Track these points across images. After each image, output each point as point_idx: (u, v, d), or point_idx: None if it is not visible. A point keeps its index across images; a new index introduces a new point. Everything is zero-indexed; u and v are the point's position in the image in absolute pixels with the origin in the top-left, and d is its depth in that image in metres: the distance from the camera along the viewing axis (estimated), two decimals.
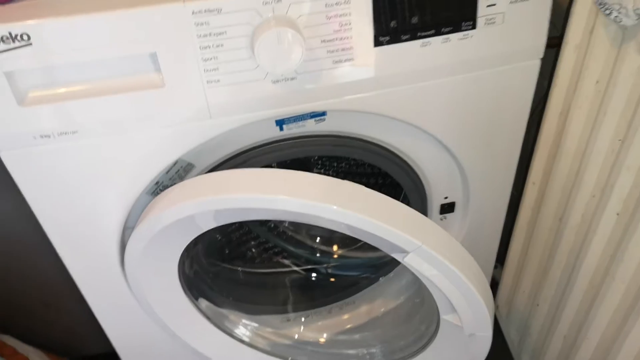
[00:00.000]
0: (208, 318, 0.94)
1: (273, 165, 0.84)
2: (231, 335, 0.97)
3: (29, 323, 1.12)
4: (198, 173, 0.76)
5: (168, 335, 0.93)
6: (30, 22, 0.56)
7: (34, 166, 0.67)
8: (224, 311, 0.98)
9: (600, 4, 0.63)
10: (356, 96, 0.71)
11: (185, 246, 0.78)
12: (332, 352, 1.03)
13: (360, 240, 1.04)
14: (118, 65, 0.62)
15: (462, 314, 0.74)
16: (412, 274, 0.71)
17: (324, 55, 0.66)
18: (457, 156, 0.83)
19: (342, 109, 0.72)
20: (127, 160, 0.70)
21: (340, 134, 0.77)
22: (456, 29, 0.67)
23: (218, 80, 0.64)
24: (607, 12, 0.62)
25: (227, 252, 1.03)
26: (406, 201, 0.88)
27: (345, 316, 1.07)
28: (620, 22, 0.62)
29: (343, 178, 0.98)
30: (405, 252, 0.67)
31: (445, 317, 0.78)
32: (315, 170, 1.00)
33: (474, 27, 0.68)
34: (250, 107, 0.68)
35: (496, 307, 1.22)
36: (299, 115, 0.72)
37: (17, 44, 0.57)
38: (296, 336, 1.04)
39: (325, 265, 1.08)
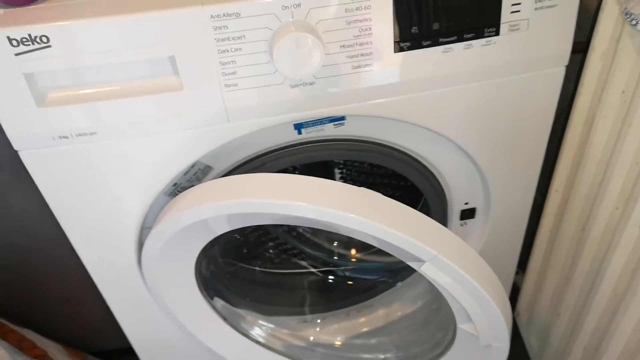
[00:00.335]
0: (223, 318, 0.94)
1: (290, 169, 0.83)
2: (246, 335, 0.97)
3: (48, 317, 1.13)
4: (216, 175, 0.76)
5: (184, 334, 0.93)
6: (49, 24, 0.57)
7: (53, 166, 0.68)
8: (240, 311, 0.99)
9: (627, 14, 0.61)
10: (376, 101, 0.70)
11: (201, 248, 0.79)
12: (347, 355, 1.02)
13: None
14: (136, 67, 0.62)
15: (478, 324, 0.73)
16: (429, 281, 0.70)
17: (344, 61, 0.65)
18: (478, 163, 0.82)
19: (361, 114, 0.71)
20: (145, 162, 0.70)
21: (359, 138, 0.77)
22: (479, 35, 0.66)
23: (236, 84, 0.64)
24: (634, 22, 0.60)
25: (244, 252, 1.03)
26: (426, 207, 0.87)
27: (362, 319, 1.06)
28: None
29: (364, 182, 0.99)
30: (420, 261, 0.66)
31: (461, 326, 0.77)
32: (336, 173, 1.00)
33: (497, 33, 0.66)
34: (268, 111, 0.67)
35: (517, 313, 1.20)
36: (318, 120, 0.72)
37: (36, 45, 0.57)
38: (312, 338, 1.04)
39: (342, 268, 1.08)
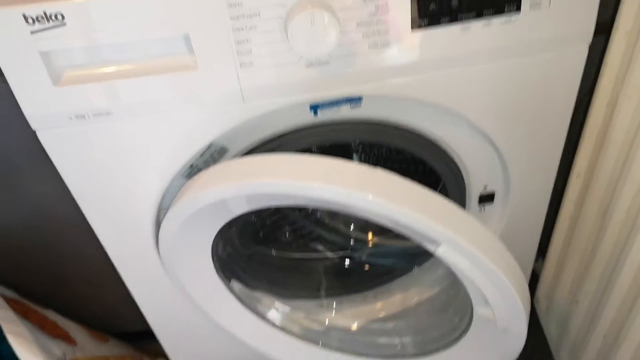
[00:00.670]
0: (241, 300, 0.94)
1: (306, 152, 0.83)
2: (263, 318, 0.98)
3: (69, 299, 1.15)
4: (232, 157, 0.76)
5: (202, 317, 0.94)
6: (64, 1, 0.56)
7: (70, 146, 0.68)
8: (257, 294, 0.99)
9: None
10: (393, 81, 0.69)
11: (218, 229, 0.79)
12: (363, 339, 1.02)
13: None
14: (151, 46, 0.62)
15: (495, 308, 0.72)
16: (446, 266, 0.69)
17: (360, 39, 0.64)
18: (498, 145, 0.80)
19: (378, 94, 0.70)
20: (161, 143, 0.70)
21: (377, 120, 0.76)
22: (499, 12, 0.65)
23: (251, 63, 0.63)
24: None
25: (261, 235, 1.03)
26: (444, 191, 0.86)
27: (379, 304, 1.06)
28: None
29: (382, 164, 0.98)
30: (437, 243, 0.66)
31: (478, 310, 0.76)
32: (354, 155, 0.99)
33: (518, 10, 0.65)
34: (283, 91, 0.67)
35: (536, 300, 1.19)
36: (334, 100, 0.71)
37: (51, 23, 0.57)
38: (328, 322, 1.03)
39: (359, 252, 1.07)
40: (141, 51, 0.62)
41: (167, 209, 0.76)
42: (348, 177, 0.64)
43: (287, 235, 1.06)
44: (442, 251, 0.66)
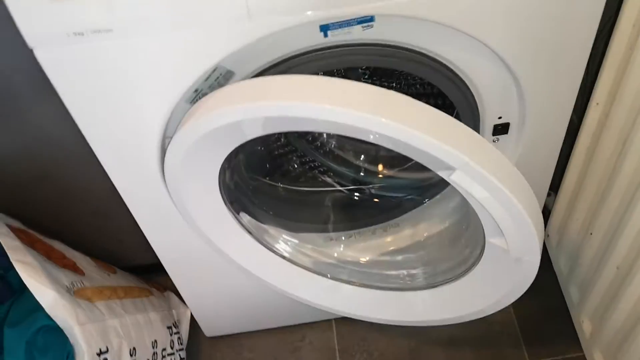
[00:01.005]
0: (249, 232, 0.93)
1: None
2: (271, 250, 0.97)
3: (77, 231, 1.15)
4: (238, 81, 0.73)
5: (211, 249, 0.93)
6: None
7: (69, 67, 0.65)
8: (265, 226, 0.98)
9: None
10: None
11: (226, 155, 0.76)
12: (372, 272, 1.02)
13: (406, 161, 1.02)
14: None
15: (509, 237, 0.70)
16: (459, 197, 0.67)
17: None
18: (515, 72, 0.77)
19: (390, 13, 0.66)
20: (163, 64, 0.67)
21: (389, 43, 0.72)
22: None
23: None
24: None
25: (267, 166, 1.01)
26: (457, 120, 0.83)
27: (389, 238, 1.05)
28: None
29: None
30: (451, 168, 0.63)
31: (491, 240, 0.75)
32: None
33: None
34: (291, 9, 0.63)
35: (546, 236, 1.18)
36: (345, 21, 0.67)
37: None
38: (337, 255, 1.03)
39: (369, 185, 1.06)
40: None
41: (171, 137, 0.74)
42: (362, 99, 0.62)
43: (294, 166, 1.04)
44: (456, 177, 0.63)
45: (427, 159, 0.65)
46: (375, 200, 1.06)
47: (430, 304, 0.95)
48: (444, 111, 0.81)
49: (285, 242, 1.00)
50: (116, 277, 1.10)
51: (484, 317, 0.91)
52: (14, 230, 0.92)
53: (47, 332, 0.84)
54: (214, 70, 0.70)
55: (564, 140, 0.91)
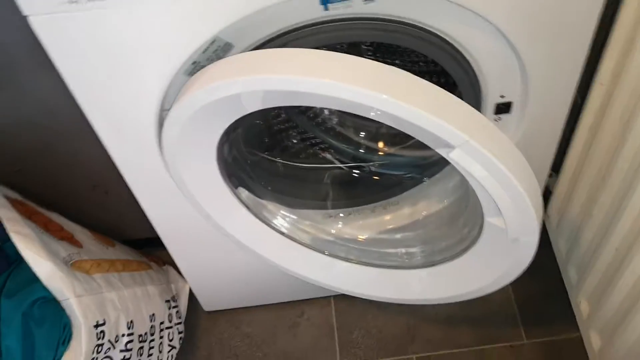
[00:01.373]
0: (247, 207, 0.93)
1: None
2: (269, 225, 0.97)
3: (76, 204, 1.14)
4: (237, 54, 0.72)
5: (210, 224, 0.93)
6: None
7: (64, 35, 0.64)
8: (264, 202, 0.98)
9: None
10: None
11: (225, 128, 0.76)
12: (370, 249, 1.02)
13: (407, 139, 1.01)
14: None
15: (507, 217, 0.70)
16: (459, 176, 0.67)
17: None
18: (518, 49, 0.75)
19: None
20: (160, 34, 0.66)
21: (391, 17, 0.71)
22: None
23: None
24: None
25: (267, 141, 1.01)
26: (459, 98, 0.82)
27: (388, 216, 1.05)
28: None
29: None
30: (451, 146, 0.63)
31: (489, 219, 0.75)
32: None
33: None
34: None
35: (547, 216, 1.17)
36: None
37: None
38: (335, 232, 1.03)
39: (370, 163, 1.05)
40: None
41: (169, 110, 0.74)
42: (362, 75, 0.61)
43: (293, 142, 1.03)
44: (455, 155, 0.63)
45: (427, 137, 0.64)
46: (375, 178, 1.06)
47: (428, 282, 0.95)
48: (446, 89, 0.81)
49: (283, 217, 1.00)
50: (115, 250, 1.10)
51: (483, 296, 0.91)
52: (11, 201, 0.91)
53: (43, 304, 0.84)
54: (213, 42, 0.69)
55: (567, 120, 0.90)
